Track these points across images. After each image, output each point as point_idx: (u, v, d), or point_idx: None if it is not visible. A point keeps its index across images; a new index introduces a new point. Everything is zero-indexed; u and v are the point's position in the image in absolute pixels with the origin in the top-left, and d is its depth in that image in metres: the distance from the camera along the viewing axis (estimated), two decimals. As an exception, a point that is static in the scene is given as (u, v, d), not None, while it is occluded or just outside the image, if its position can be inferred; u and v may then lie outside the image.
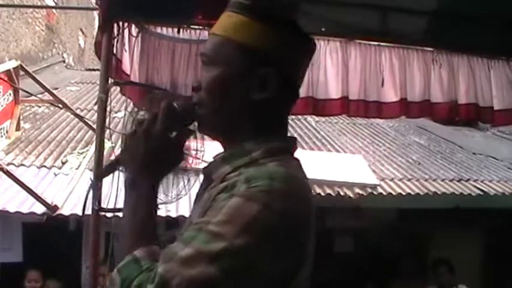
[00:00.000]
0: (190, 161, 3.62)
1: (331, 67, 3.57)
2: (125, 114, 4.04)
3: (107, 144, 6.37)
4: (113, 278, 1.10)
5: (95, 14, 15.70)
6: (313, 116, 8.88)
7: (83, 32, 16.79)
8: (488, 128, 10.63)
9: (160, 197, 3.49)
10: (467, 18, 3.36)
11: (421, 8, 3.43)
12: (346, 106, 3.63)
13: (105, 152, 6.39)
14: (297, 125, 8.98)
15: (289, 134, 1.30)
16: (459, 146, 9.42)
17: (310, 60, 1.30)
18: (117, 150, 1.27)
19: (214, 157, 1.25)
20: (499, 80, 3.78)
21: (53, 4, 13.69)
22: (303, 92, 3.55)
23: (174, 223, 6.81)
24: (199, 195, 1.27)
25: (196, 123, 1.26)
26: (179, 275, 1.00)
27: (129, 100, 3.68)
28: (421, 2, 3.37)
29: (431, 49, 3.81)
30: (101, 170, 1.34)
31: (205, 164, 1.28)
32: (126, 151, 1.25)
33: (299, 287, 1.14)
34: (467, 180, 7.44)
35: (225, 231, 1.03)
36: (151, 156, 1.21)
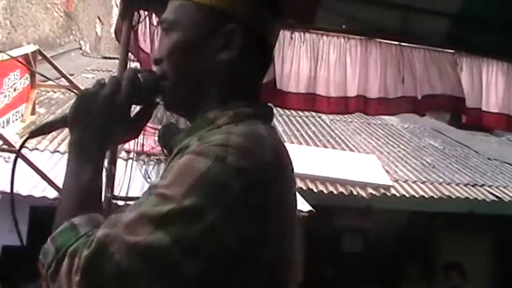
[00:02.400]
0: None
1: (350, 64, 3.54)
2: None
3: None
4: (46, 248, 0.97)
5: (114, 2, 15.74)
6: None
7: (100, 20, 16.82)
8: (503, 134, 10.54)
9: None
10: (489, 22, 3.32)
11: (443, 10, 3.39)
12: (362, 104, 3.60)
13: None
14: (311, 122, 8.94)
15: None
16: (474, 150, 9.34)
17: (281, 25, 1.23)
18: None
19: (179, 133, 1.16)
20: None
21: (73, -9, 13.72)
22: (319, 89, 3.53)
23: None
24: None
25: (160, 100, 1.18)
26: (119, 239, 0.88)
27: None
28: (444, 4, 3.33)
29: (452, 51, 3.77)
30: (41, 125, 1.19)
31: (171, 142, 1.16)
32: (79, 110, 1.09)
33: (278, 262, 0.99)
34: (482, 185, 7.38)
35: (173, 192, 0.91)
36: (108, 123, 1.08)
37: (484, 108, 3.77)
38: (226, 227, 0.91)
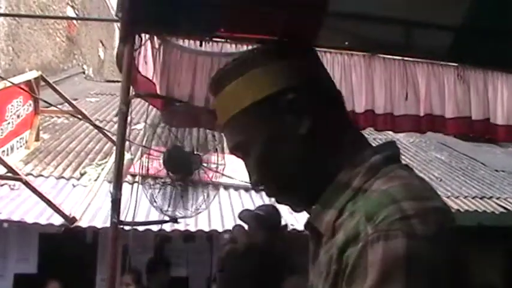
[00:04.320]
0: (210, 175, 3.56)
1: (356, 81, 3.52)
2: (144, 126, 4.02)
3: (126, 156, 6.36)
4: None
5: (115, 26, 15.84)
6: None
7: (102, 44, 16.94)
8: (509, 145, 10.50)
9: (180, 211, 3.43)
10: (493, 34, 3.30)
11: (446, 23, 3.37)
12: (371, 120, 3.58)
13: (124, 164, 6.41)
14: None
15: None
16: (481, 162, 9.29)
17: (317, 59, 1.15)
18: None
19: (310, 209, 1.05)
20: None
21: (74, 16, 13.82)
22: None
23: (190, 237, 6.78)
24: (313, 256, 1.05)
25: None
26: None
27: (149, 112, 3.67)
28: (446, 17, 3.31)
29: (456, 64, 3.75)
30: None
31: (306, 219, 1.07)
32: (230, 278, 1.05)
33: None
34: (490, 197, 7.32)
35: None
36: (269, 275, 1.04)
37: (491, 121, 3.75)
38: None
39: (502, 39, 3.34)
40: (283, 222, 1.11)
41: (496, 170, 8.87)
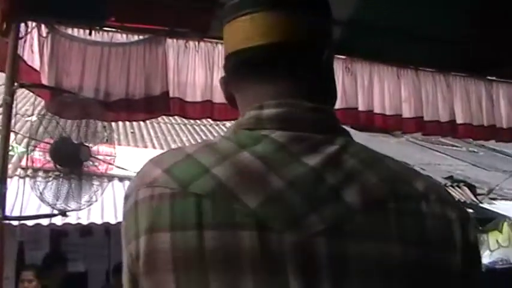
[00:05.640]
0: (100, 167, 3.51)
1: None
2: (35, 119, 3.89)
3: (18, 149, 6.14)
4: None
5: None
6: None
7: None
8: (402, 134, 11.02)
9: (70, 204, 3.34)
10: (378, 29, 3.46)
11: (335, 18, 3.50)
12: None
13: (15, 157, 6.16)
14: (216, 130, 8.95)
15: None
16: (374, 152, 9.70)
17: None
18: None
19: None
20: (407, 88, 3.93)
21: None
22: (216, 97, 3.54)
23: (87, 231, 6.65)
24: None
25: None
26: None
27: (38, 103, 3.57)
28: (335, 11, 3.44)
29: (344, 57, 3.90)
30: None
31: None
32: None
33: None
34: (381, 185, 7.64)
35: None
36: None
37: (375, 111, 3.93)
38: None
39: (386, 34, 3.53)
40: None
41: (388, 159, 9.29)
